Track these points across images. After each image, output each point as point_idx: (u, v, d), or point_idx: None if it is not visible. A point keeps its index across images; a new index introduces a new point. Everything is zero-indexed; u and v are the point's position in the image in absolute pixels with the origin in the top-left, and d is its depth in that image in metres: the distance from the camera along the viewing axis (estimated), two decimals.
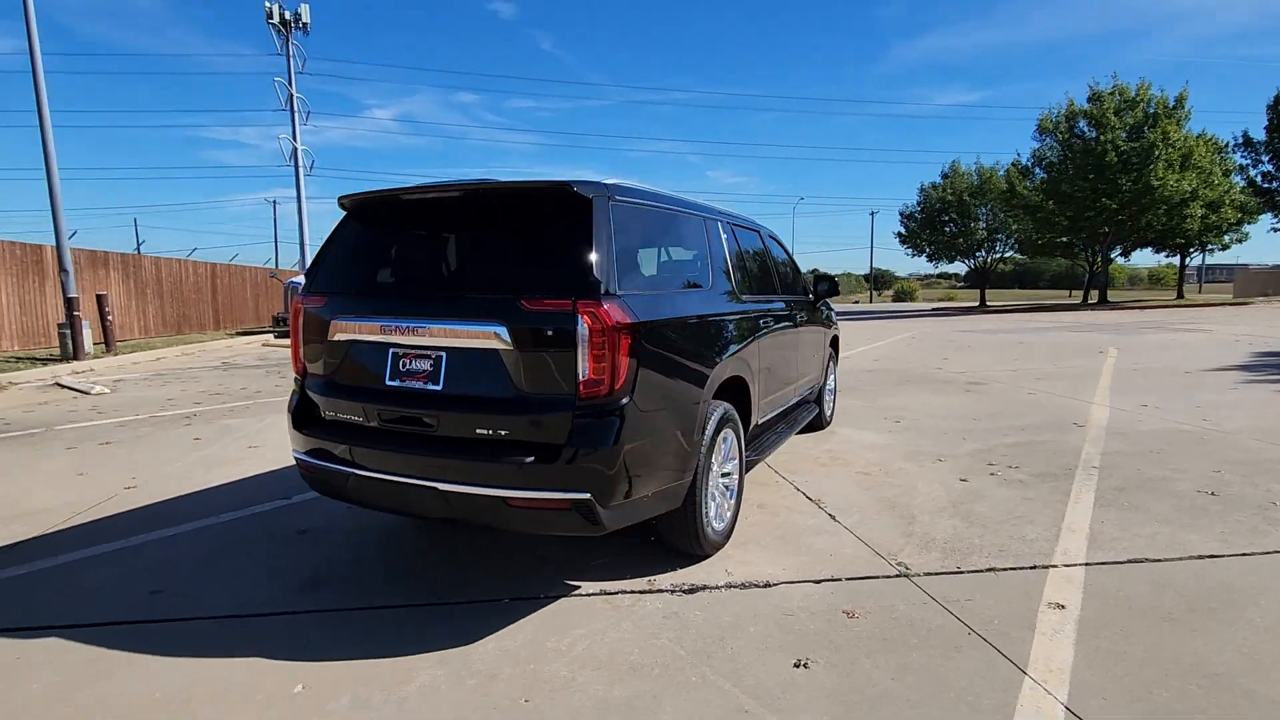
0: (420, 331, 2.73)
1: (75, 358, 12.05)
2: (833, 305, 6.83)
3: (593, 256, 2.60)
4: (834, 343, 6.48)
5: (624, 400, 2.60)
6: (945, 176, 43.13)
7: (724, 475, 3.59)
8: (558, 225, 2.69)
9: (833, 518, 3.97)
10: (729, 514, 3.57)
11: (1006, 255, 45.52)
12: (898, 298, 71.71)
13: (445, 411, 2.71)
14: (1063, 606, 2.88)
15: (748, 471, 3.88)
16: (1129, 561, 3.33)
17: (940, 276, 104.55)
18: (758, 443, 4.25)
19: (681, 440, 2.97)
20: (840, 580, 3.16)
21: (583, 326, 2.51)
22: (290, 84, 31.54)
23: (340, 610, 2.91)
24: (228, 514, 4.09)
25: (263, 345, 16.92)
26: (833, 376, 6.54)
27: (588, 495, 2.54)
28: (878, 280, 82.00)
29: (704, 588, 3.09)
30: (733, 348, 3.50)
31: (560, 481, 2.53)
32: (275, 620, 2.84)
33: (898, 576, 3.19)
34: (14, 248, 14.32)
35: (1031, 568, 3.27)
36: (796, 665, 2.46)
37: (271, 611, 2.91)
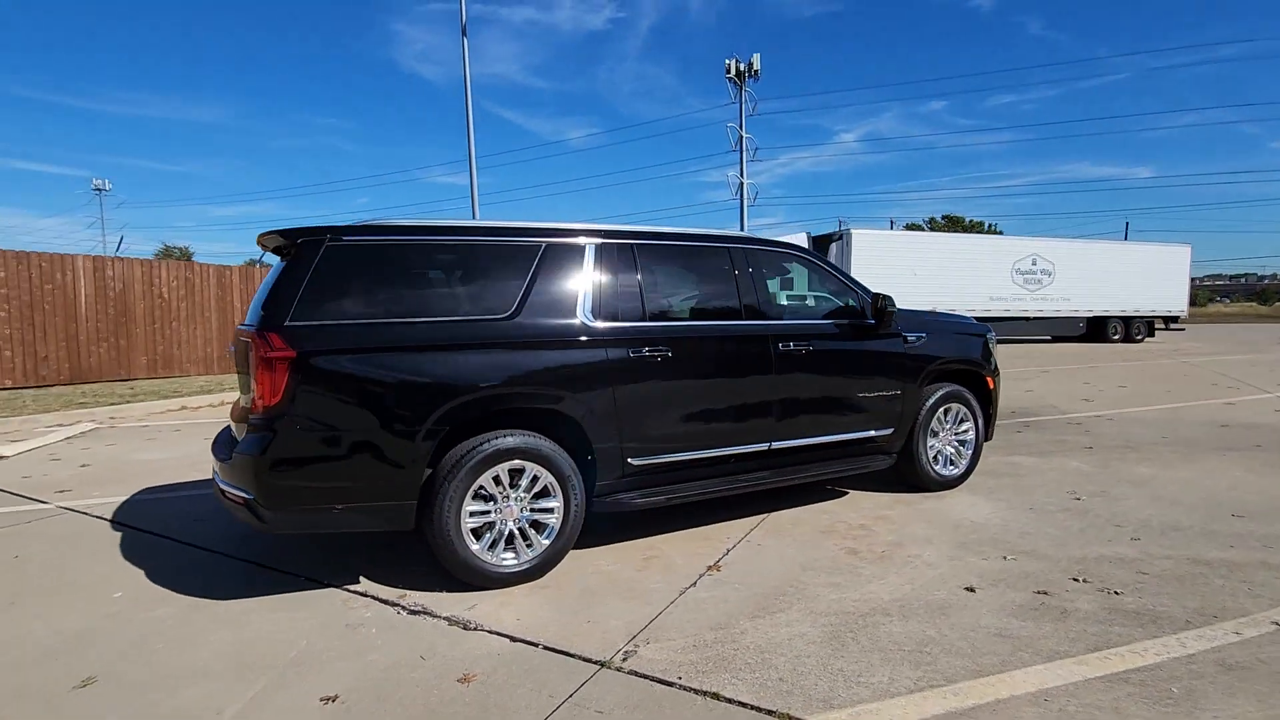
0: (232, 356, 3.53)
1: None
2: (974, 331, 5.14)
3: (279, 291, 2.99)
4: (957, 378, 4.92)
5: (282, 418, 2.92)
6: None
7: (538, 512, 3.42)
8: (281, 265, 3.15)
9: (687, 589, 3.33)
10: (532, 553, 3.38)
11: None
12: None
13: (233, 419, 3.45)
14: None
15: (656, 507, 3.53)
16: None
17: None
18: (661, 489, 3.76)
19: (387, 463, 3.07)
20: (536, 646, 2.79)
21: (254, 352, 2.94)
22: (740, 127, 35.63)
23: (234, 558, 3.87)
24: None
25: None
26: (968, 425, 4.95)
27: (251, 496, 2.95)
28: None
29: (428, 614, 3.10)
30: (524, 377, 3.32)
31: (235, 479, 3.01)
32: (195, 551, 3.95)
33: (594, 663, 2.65)
34: None
35: (767, 712, 2.31)
36: (324, 699, 2.44)
37: (205, 546, 4.03)
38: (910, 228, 45.42)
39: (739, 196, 36.48)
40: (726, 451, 3.95)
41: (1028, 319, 24.71)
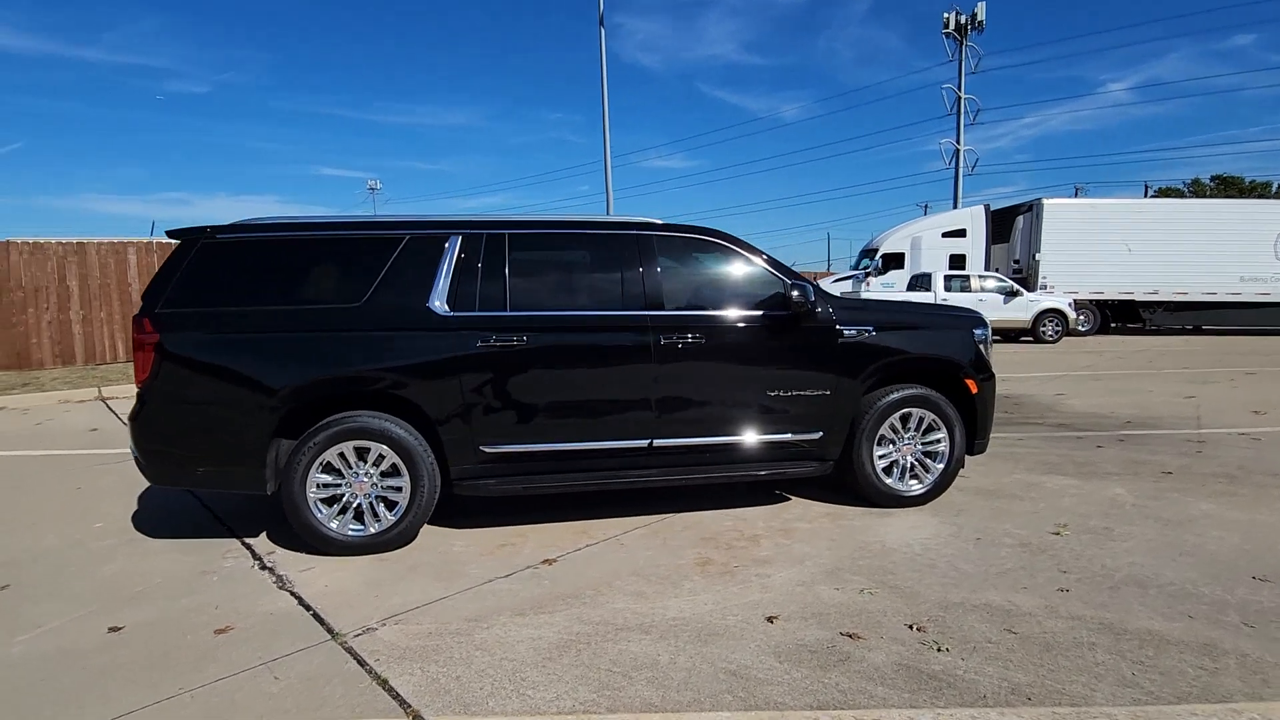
0: None
1: None
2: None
3: (156, 283, 3.53)
4: (927, 379, 4.26)
5: (150, 391, 3.46)
6: None
7: (388, 490, 3.68)
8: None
9: (498, 579, 3.39)
10: (379, 526, 3.66)
11: None
12: None
13: None
14: None
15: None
16: None
17: None
18: (518, 477, 3.81)
19: (238, 434, 3.50)
20: (308, 611, 3.07)
21: (132, 335, 3.53)
22: (959, 87, 32.49)
23: (207, 508, 4.64)
24: None
25: None
26: (939, 435, 4.28)
27: (135, 455, 3.56)
28: None
29: (271, 570, 3.51)
30: (365, 361, 3.59)
31: (129, 441, 3.63)
32: (189, 500, 4.78)
33: (330, 634, 2.86)
34: None
35: (405, 706, 2.36)
36: (112, 629, 2.92)
37: (200, 497, 4.87)
38: (1163, 193, 37.95)
39: (953, 165, 33.13)
40: (595, 445, 3.87)
41: None
